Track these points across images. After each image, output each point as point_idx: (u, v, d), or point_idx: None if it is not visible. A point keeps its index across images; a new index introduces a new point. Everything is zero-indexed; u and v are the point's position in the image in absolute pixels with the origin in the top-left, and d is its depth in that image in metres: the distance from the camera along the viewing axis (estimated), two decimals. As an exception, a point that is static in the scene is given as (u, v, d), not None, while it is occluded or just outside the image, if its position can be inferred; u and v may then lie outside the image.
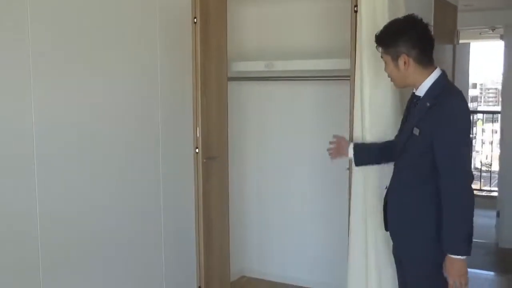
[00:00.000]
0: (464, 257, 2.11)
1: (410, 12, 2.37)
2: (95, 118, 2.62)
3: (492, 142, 8.97)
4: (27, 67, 2.25)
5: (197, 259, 3.35)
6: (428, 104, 2.16)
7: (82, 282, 2.57)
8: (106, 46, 2.66)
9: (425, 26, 2.25)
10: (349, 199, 2.90)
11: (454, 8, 4.42)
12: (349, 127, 2.90)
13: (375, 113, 2.74)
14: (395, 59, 2.25)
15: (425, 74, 2.23)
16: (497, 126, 7.63)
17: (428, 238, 2.21)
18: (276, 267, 4.16)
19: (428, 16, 3.07)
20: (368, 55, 2.71)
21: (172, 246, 3.16)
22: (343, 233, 3.01)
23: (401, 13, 2.67)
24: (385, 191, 2.47)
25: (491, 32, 6.09)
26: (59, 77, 2.41)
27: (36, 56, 2.27)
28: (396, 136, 2.61)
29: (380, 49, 2.33)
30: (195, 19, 3.18)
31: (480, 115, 9.42)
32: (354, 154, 2.70)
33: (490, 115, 8.99)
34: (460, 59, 5.02)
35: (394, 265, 2.55)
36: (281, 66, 3.80)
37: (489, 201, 6.78)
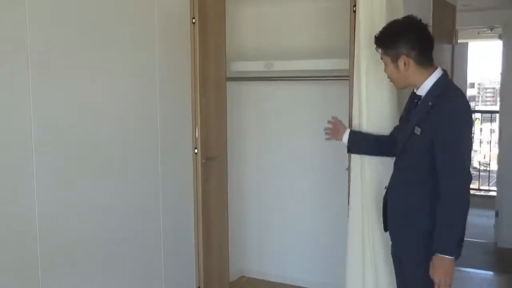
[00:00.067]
0: (453, 257, 2.11)
1: (408, 12, 2.37)
2: (94, 119, 2.61)
3: (490, 141, 8.98)
4: (25, 67, 2.24)
5: (196, 259, 3.35)
6: (430, 104, 2.17)
7: (81, 282, 2.56)
8: (105, 46, 2.66)
9: (425, 27, 2.25)
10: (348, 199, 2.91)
11: (453, 8, 4.43)
12: (348, 127, 2.90)
13: (373, 113, 2.74)
14: (395, 60, 2.26)
15: (426, 75, 2.23)
16: (495, 125, 7.66)
17: (428, 238, 2.21)
18: (276, 267, 4.16)
19: (426, 16, 3.07)
20: (365, 55, 2.71)
21: (171, 246, 3.15)
22: (342, 233, 3.01)
23: (399, 13, 2.67)
24: (384, 191, 2.47)
25: (490, 31, 6.10)
26: (57, 78, 2.40)
27: (34, 56, 2.26)
28: (392, 132, 2.63)
29: (379, 50, 2.33)
30: (194, 20, 3.18)
31: (478, 115, 9.43)
32: (349, 141, 2.73)
33: (488, 115, 9.00)
34: (458, 58, 5.03)
35: (392, 265, 2.55)
36: (280, 66, 3.80)
37: (487, 201, 6.80)
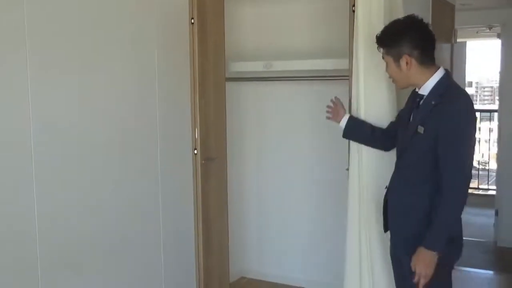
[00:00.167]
0: (436, 253, 2.14)
1: (407, 11, 2.37)
2: (93, 119, 2.60)
3: (488, 140, 8.99)
4: (24, 66, 2.23)
5: (196, 260, 3.34)
6: (433, 103, 2.17)
7: (80, 283, 2.56)
8: (104, 47, 2.65)
9: (426, 26, 2.25)
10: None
11: (452, 7, 4.43)
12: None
13: (372, 112, 2.74)
14: (397, 60, 2.25)
15: (428, 74, 2.23)
16: (493, 124, 7.66)
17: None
18: (276, 267, 4.16)
19: (425, 15, 3.05)
20: (364, 55, 2.71)
21: (171, 247, 3.15)
22: (342, 233, 3.01)
23: (399, 13, 2.68)
24: (385, 191, 2.47)
25: (488, 30, 6.11)
26: (56, 78, 2.40)
27: (33, 56, 2.26)
28: (388, 127, 2.64)
29: (381, 50, 2.33)
30: (192, 20, 3.17)
31: (476, 114, 9.43)
32: (346, 127, 2.75)
33: (487, 114, 9.01)
34: (456, 57, 5.03)
35: (389, 265, 2.55)
36: (279, 66, 3.80)
37: (486, 200, 6.80)
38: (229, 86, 3.67)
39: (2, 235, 2.17)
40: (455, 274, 2.32)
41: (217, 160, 3.43)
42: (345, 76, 3.06)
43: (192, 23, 3.18)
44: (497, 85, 6.01)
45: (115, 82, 2.73)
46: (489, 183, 8.28)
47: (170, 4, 3.11)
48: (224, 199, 3.56)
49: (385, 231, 2.51)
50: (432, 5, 3.68)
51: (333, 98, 2.86)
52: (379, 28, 2.40)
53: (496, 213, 5.45)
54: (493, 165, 7.94)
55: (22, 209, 2.26)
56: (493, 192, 6.58)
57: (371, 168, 2.75)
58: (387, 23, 2.41)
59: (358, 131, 2.75)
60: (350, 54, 2.87)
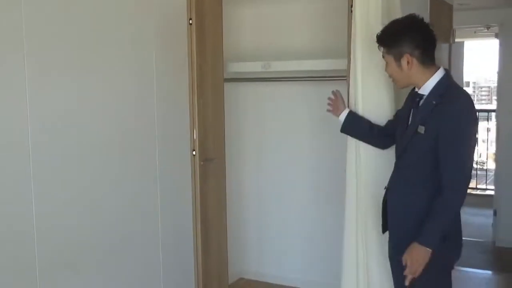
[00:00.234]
0: (430, 250, 2.14)
1: (405, 11, 2.37)
2: (92, 119, 2.60)
3: (486, 140, 9.00)
4: (22, 67, 2.23)
5: (195, 261, 3.33)
6: (434, 102, 2.17)
7: (79, 283, 2.55)
8: (102, 47, 2.65)
9: (427, 26, 2.25)
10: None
11: (450, 7, 4.43)
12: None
13: (370, 112, 2.74)
14: (398, 59, 2.25)
15: (428, 74, 2.23)
16: (491, 124, 7.67)
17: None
18: (275, 268, 4.15)
19: (424, 15, 3.05)
20: (361, 55, 2.71)
21: (170, 248, 3.14)
22: (341, 234, 3.00)
23: (396, 13, 2.68)
24: (384, 192, 2.47)
25: (486, 30, 6.12)
26: (54, 78, 2.39)
27: (31, 56, 2.25)
28: (386, 125, 2.64)
29: (381, 49, 2.33)
30: (191, 21, 3.17)
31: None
32: (344, 121, 2.75)
33: (484, 114, 9.02)
34: (454, 57, 5.04)
35: (387, 266, 2.54)
36: (278, 66, 3.80)
37: (484, 200, 6.80)
38: (228, 86, 3.66)
39: (1, 235, 2.17)
40: (453, 274, 2.32)
41: (216, 161, 3.42)
42: (344, 77, 3.06)
43: (190, 24, 3.17)
44: (495, 85, 6.01)
45: (113, 83, 2.72)
46: (487, 183, 8.28)
47: (169, 5, 3.11)
48: (223, 199, 3.56)
49: (383, 231, 2.50)
50: (430, 5, 3.69)
51: (334, 90, 2.86)
52: (377, 28, 2.40)
53: (494, 213, 5.45)
54: (491, 165, 7.95)
55: (20, 209, 2.26)
56: (491, 192, 6.58)
57: (370, 168, 2.74)
58: (385, 23, 2.41)
59: (357, 126, 2.75)
60: (348, 55, 2.87)
